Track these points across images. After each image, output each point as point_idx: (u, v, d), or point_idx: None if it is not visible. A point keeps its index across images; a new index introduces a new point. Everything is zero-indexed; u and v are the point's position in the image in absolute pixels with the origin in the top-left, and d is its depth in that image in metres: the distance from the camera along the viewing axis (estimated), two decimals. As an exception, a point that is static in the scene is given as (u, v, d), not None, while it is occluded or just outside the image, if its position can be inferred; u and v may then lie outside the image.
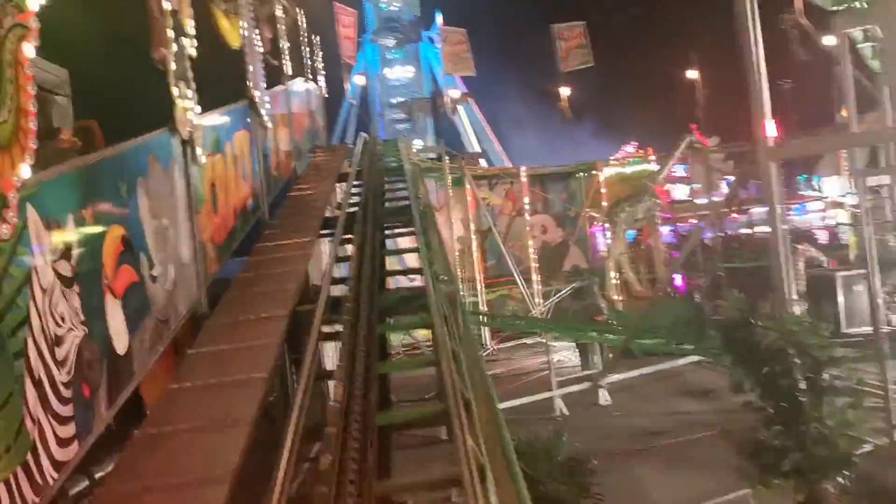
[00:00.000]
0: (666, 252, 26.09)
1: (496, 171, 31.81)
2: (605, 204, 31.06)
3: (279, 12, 16.95)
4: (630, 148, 53.00)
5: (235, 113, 10.94)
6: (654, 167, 47.22)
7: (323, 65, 24.34)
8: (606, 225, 30.04)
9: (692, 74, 32.58)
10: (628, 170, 43.84)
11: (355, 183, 15.14)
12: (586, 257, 32.40)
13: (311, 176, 16.78)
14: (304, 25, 21.02)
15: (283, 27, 17.21)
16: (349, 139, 47.49)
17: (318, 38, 24.01)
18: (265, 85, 13.12)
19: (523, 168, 34.10)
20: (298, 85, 19.20)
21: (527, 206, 31.29)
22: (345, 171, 17.41)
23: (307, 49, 21.09)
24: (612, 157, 50.10)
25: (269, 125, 12.97)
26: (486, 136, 58.69)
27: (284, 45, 16.83)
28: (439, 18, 54.19)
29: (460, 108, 44.20)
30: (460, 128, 52.29)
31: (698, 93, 32.00)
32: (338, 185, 17.22)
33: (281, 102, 15.60)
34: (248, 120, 11.67)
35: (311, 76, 21.58)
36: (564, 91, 33.99)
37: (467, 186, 30.13)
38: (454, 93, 33.40)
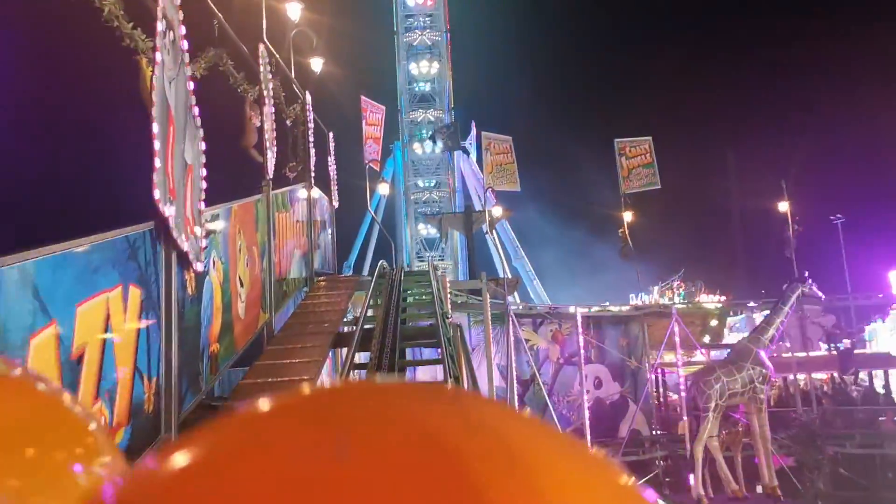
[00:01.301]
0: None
1: (544, 309, 25.71)
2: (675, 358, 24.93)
3: (266, 91, 11.28)
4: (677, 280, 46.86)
5: (104, 253, 5.01)
6: (712, 306, 40.93)
7: (335, 168, 18.64)
8: (682, 379, 23.79)
9: (782, 206, 26.78)
10: (680, 306, 37.71)
11: (358, 359, 9.15)
12: (649, 422, 25.85)
13: (292, 334, 10.68)
14: (310, 115, 15.37)
15: (270, 112, 11.53)
16: (368, 260, 42.11)
17: (331, 135, 18.34)
18: (201, 199, 7.25)
19: (578, 310, 28.16)
20: (296, 194, 13.32)
21: (581, 352, 25.15)
22: (346, 331, 11.32)
23: (310, 146, 15.40)
24: (658, 287, 44.22)
25: (202, 267, 6.98)
26: (520, 260, 52.98)
27: (269, 136, 11.11)
28: (473, 127, 49.77)
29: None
30: (492, 248, 46.76)
31: (790, 229, 26.11)
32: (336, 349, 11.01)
33: (251, 221, 9.70)
34: (139, 265, 5.68)
35: (315, 181, 15.78)
36: (627, 216, 28.23)
37: (510, 326, 24.10)
38: (496, 210, 27.73)
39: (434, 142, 40.94)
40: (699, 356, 27.27)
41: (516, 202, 35.20)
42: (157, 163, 6.18)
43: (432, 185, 47.90)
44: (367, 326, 11.79)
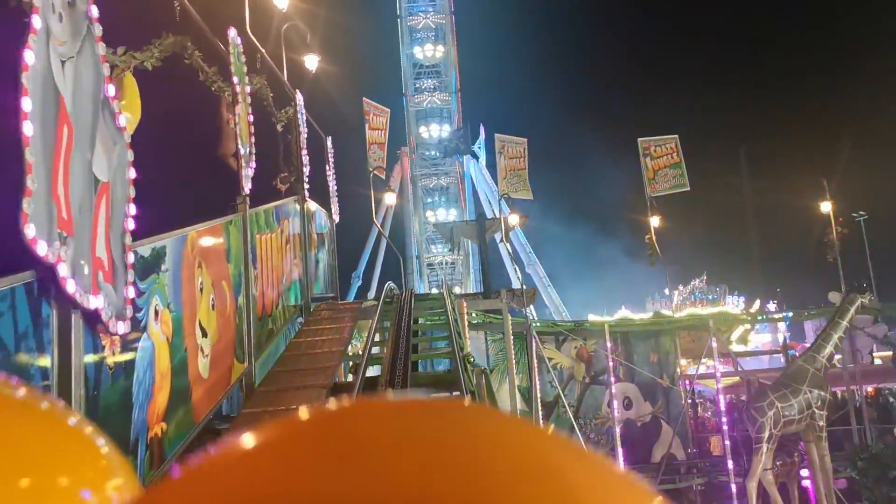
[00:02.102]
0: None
1: (566, 325, 23.41)
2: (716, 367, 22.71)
3: (240, 86, 9.00)
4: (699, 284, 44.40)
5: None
6: (733, 309, 38.47)
7: (334, 178, 16.39)
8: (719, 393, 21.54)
9: (825, 207, 24.38)
10: (703, 310, 35.39)
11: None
12: (684, 445, 23.45)
13: (276, 388, 8.40)
14: (303, 118, 13.15)
15: (247, 115, 9.27)
16: (377, 276, 39.61)
17: (329, 141, 16.10)
18: (127, 229, 4.99)
19: (606, 323, 25.95)
20: (286, 209, 11.04)
21: (610, 369, 22.89)
22: (345, 381, 9.11)
23: (304, 154, 13.16)
24: (679, 293, 41.83)
25: (125, 327, 4.70)
26: (533, 266, 50.61)
27: (246, 142, 8.86)
28: (482, 132, 47.39)
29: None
30: (504, 256, 44.50)
31: (833, 232, 23.74)
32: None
33: (218, 250, 7.43)
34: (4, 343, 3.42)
35: (311, 193, 13.54)
36: (654, 221, 25.87)
37: (533, 343, 21.83)
38: (512, 218, 25.44)
39: (444, 151, 38.77)
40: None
41: (529, 206, 32.90)
42: (31, 183, 3.94)
43: (442, 200, 45.44)
44: (371, 373, 9.56)
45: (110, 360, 5.06)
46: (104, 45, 5.32)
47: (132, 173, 5.47)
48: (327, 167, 16.82)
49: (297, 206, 13.14)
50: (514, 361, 21.72)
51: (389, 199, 23.56)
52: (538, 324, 23.31)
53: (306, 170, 13.87)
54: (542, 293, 50.96)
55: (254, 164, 9.61)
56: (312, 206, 14.57)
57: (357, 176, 22.71)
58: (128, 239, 5.30)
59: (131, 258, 5.33)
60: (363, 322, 13.30)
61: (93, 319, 4.73)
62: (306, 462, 0.56)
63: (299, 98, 13.91)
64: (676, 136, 26.05)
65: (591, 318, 35.71)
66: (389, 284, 14.68)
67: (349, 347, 13.07)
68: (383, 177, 22.48)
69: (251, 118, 9.84)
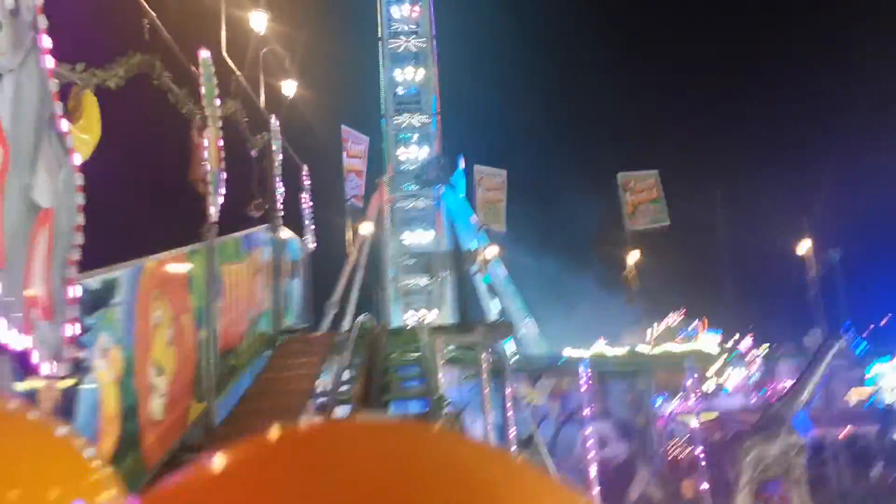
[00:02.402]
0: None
1: (542, 362, 23.01)
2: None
3: (210, 109, 8.54)
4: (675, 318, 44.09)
5: None
6: (707, 348, 38.22)
7: (309, 206, 15.93)
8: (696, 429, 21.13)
9: (804, 246, 24.29)
10: (679, 347, 35.16)
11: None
12: (665, 488, 22.97)
13: (238, 429, 7.82)
14: (279, 143, 12.68)
15: (216, 138, 8.81)
16: (352, 306, 38.81)
17: (305, 168, 15.64)
18: (71, 260, 4.48)
19: (580, 353, 25.80)
20: (256, 238, 10.53)
21: (587, 410, 22.50)
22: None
23: (277, 181, 12.70)
24: (654, 329, 41.58)
25: (63, 369, 4.20)
26: (514, 303, 49.99)
27: (214, 166, 8.35)
28: (462, 163, 47.03)
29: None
30: (480, 290, 44.06)
31: (813, 271, 23.63)
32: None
33: (179, 282, 6.94)
34: None
35: (285, 221, 13.04)
36: (632, 257, 25.61)
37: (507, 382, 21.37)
38: (490, 250, 25.09)
39: (422, 183, 38.31)
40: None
41: (507, 238, 32.55)
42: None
43: (422, 226, 44.69)
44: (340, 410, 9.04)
45: (45, 407, 4.52)
46: (53, 59, 4.84)
47: (80, 199, 4.97)
48: (302, 195, 16.35)
49: (270, 234, 12.64)
50: (489, 401, 21.23)
51: (366, 228, 23.14)
52: (515, 357, 22.80)
53: (280, 197, 13.39)
54: (519, 326, 50.42)
55: (223, 191, 9.12)
56: (286, 234, 14.07)
57: (334, 204, 22.26)
58: (71, 271, 4.79)
59: (75, 292, 4.82)
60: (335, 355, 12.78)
61: (22, 362, 4.21)
62: (274, 481, 0.56)
63: (274, 123, 13.47)
64: (657, 171, 25.96)
65: (568, 352, 35.33)
66: (361, 319, 14.17)
67: (319, 383, 12.53)
68: (361, 205, 22.05)
69: (221, 143, 9.37)
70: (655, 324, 40.47)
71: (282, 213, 13.91)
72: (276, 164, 13.35)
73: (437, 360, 12.59)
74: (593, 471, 22.44)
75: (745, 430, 17.36)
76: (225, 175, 9.27)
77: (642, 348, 33.45)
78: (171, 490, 0.60)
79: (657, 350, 33.35)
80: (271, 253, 12.62)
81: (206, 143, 8.46)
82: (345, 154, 21.22)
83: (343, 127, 21.64)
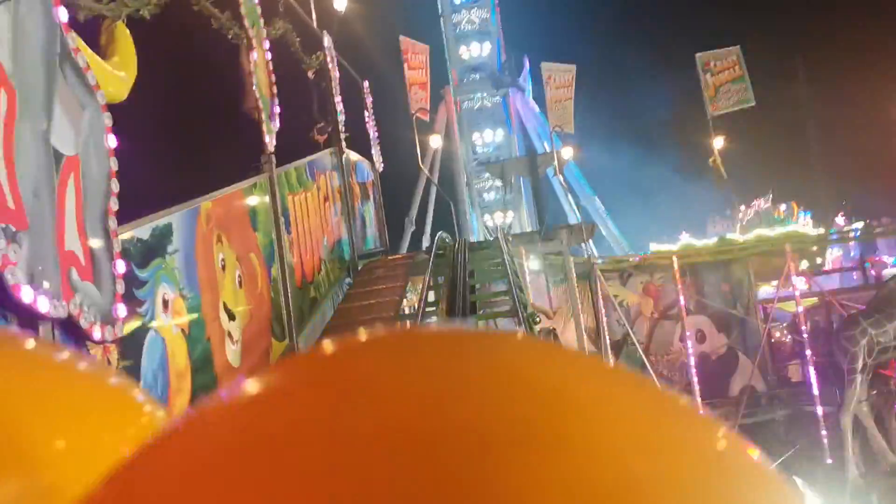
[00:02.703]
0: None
1: (631, 262, 22.13)
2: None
3: (255, 30, 7.88)
4: (764, 203, 42.17)
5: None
6: (808, 230, 36.60)
7: (374, 124, 15.28)
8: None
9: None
10: (773, 232, 33.69)
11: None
12: (766, 377, 22.16)
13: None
14: (334, 61, 12.01)
15: (266, 62, 8.17)
16: (429, 223, 38.24)
17: (366, 84, 14.95)
18: (111, 210, 3.93)
19: (668, 248, 24.87)
20: (322, 163, 10.00)
21: (682, 304, 21.66)
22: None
23: (338, 101, 12.06)
24: (743, 214, 39.93)
25: (116, 331, 3.72)
26: (589, 198, 48.86)
27: (265, 92, 7.75)
28: (526, 62, 45.23)
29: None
30: (560, 193, 43.02)
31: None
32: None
33: (241, 219, 6.47)
34: None
35: (350, 143, 12.49)
36: (717, 142, 24.13)
37: (597, 282, 20.72)
38: (565, 152, 24.03)
39: (495, 86, 37.00)
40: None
41: (581, 136, 31.26)
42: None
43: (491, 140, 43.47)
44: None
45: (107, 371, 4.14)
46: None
47: (112, 141, 4.45)
48: (366, 113, 15.70)
49: (335, 159, 12.10)
50: (580, 305, 20.69)
51: (435, 141, 22.27)
52: (601, 261, 22.01)
53: (342, 118, 12.78)
54: (599, 226, 49.35)
55: (278, 118, 8.55)
56: (353, 156, 13.52)
57: (400, 120, 21.54)
58: (112, 222, 4.32)
59: (119, 245, 4.35)
60: (418, 277, 12.33)
61: (70, 329, 3.79)
62: (305, 403, 0.52)
63: (327, 40, 12.73)
64: (738, 47, 24.07)
65: (654, 247, 34.30)
66: (441, 235, 13.61)
67: (403, 303, 12.15)
68: (427, 119, 21.25)
69: (271, 66, 8.74)
70: (743, 207, 38.93)
71: (346, 135, 13.33)
72: (335, 83, 12.67)
73: (523, 272, 11.98)
74: (693, 366, 21.78)
75: (856, 313, 16.28)
76: (278, 101, 8.67)
77: (732, 236, 32.25)
78: (193, 420, 0.55)
79: (749, 237, 32.10)
80: (340, 177, 12.10)
81: (253, 67, 7.85)
82: (406, 66, 20.32)
83: (401, 37, 20.67)
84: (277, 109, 8.60)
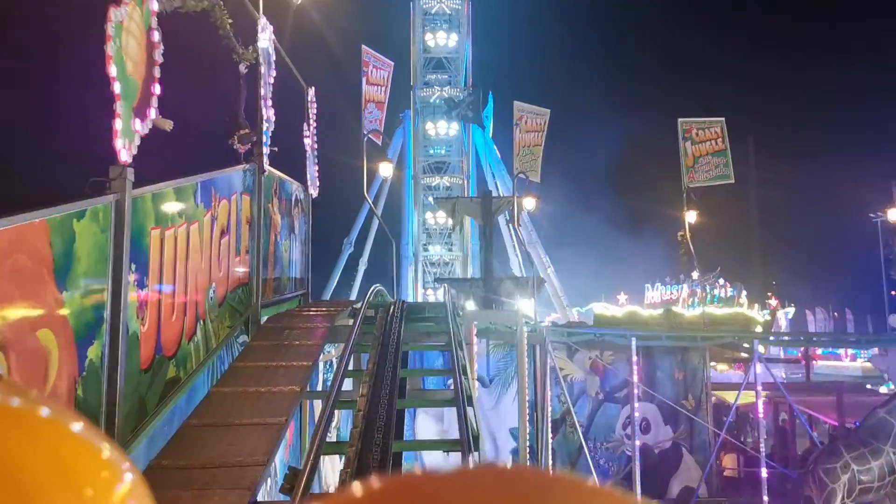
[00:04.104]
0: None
1: (585, 335, 19.63)
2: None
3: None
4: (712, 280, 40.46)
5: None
6: (753, 313, 34.97)
7: (316, 142, 12.36)
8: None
9: (893, 215, 20.51)
10: (719, 311, 31.77)
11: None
12: (710, 481, 19.75)
13: (165, 481, 4.21)
14: (270, 55, 9.06)
15: (142, 30, 5.10)
16: (369, 246, 35.32)
17: (312, 92, 12.07)
18: None
19: (612, 312, 22.64)
20: (227, 182, 6.90)
21: (636, 388, 19.29)
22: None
23: (266, 105, 9.10)
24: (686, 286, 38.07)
25: None
26: (533, 245, 46.47)
27: (133, 75, 4.70)
28: (491, 99, 42.93)
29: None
30: (507, 239, 40.63)
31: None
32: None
33: (38, 279, 3.25)
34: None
35: (277, 160, 9.52)
36: (688, 215, 21.93)
37: (546, 354, 18.19)
38: (528, 201, 21.53)
39: (451, 115, 34.50)
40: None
41: (540, 188, 28.90)
42: None
43: (444, 169, 40.91)
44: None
45: None
46: None
47: None
48: (306, 126, 12.81)
49: (251, 177, 9.15)
50: (525, 376, 18.08)
51: (385, 170, 19.44)
52: (552, 330, 19.37)
53: (269, 126, 9.86)
54: (543, 277, 47.00)
55: (152, 113, 5.61)
56: (279, 175, 10.59)
57: (349, 139, 18.67)
58: None
59: None
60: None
61: None
62: None
63: (264, 26, 9.83)
64: (723, 119, 22.02)
65: (597, 310, 32.04)
66: (376, 290, 10.74)
67: (319, 368, 9.24)
68: (380, 142, 18.45)
69: (157, 37, 5.82)
70: (685, 284, 37.15)
71: (271, 149, 10.43)
72: (264, 80, 9.76)
73: (472, 360, 9.24)
74: (637, 460, 19.31)
75: (838, 443, 13.93)
76: (158, 88, 5.72)
77: (678, 309, 30.27)
78: None
79: (695, 312, 30.14)
80: (254, 202, 9.15)
81: (113, 29, 4.92)
82: (364, 80, 17.54)
83: (364, 47, 17.87)
84: (155, 102, 5.67)
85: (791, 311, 47.23)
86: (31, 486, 0.57)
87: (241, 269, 8.52)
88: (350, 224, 35.93)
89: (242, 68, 10.52)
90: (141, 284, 5.49)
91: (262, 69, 9.49)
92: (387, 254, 22.98)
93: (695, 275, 36.74)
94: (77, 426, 0.67)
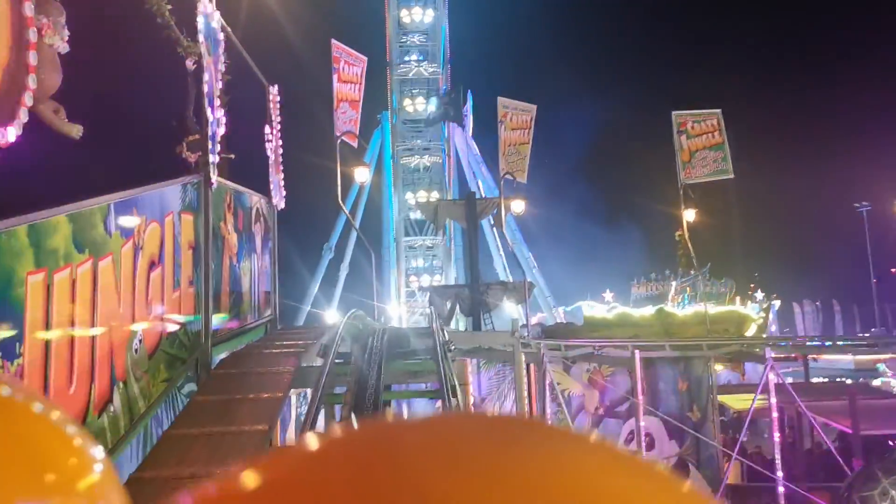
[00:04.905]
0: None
1: (583, 348, 18.11)
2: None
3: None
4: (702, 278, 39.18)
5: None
6: (747, 310, 33.82)
7: (278, 145, 10.68)
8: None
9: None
10: (713, 310, 30.36)
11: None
12: (713, 493, 18.23)
13: None
14: (218, 43, 7.31)
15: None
16: (350, 250, 33.63)
17: (274, 91, 10.39)
18: None
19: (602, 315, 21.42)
20: (161, 199, 5.02)
21: (640, 401, 17.84)
22: None
23: (213, 106, 7.36)
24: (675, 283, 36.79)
25: None
26: (518, 245, 44.90)
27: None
28: (470, 96, 41.32)
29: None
30: (490, 242, 39.00)
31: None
32: None
33: None
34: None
35: (213, 170, 7.73)
36: (686, 214, 20.46)
37: (545, 372, 16.69)
38: (516, 204, 19.98)
39: (432, 108, 32.95)
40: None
41: (527, 188, 27.39)
42: None
43: (425, 181, 39.24)
44: None
45: None
46: None
47: None
48: (268, 128, 11.14)
49: (193, 192, 7.50)
50: (507, 384, 16.53)
51: (361, 174, 17.81)
52: (547, 345, 17.81)
53: (217, 130, 8.19)
54: (530, 280, 45.46)
55: (24, 115, 3.97)
56: (231, 188, 8.93)
57: (320, 142, 17.00)
58: None
59: None
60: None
61: None
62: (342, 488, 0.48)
63: (211, 11, 8.16)
64: (719, 110, 20.57)
65: (587, 312, 30.67)
66: (350, 317, 9.09)
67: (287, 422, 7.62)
68: (355, 145, 16.80)
69: (29, 12, 4.17)
70: (675, 282, 35.89)
71: (221, 156, 8.78)
72: (209, 75, 8.09)
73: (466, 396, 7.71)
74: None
75: (874, 466, 12.47)
76: (33, 80, 4.07)
77: (670, 310, 29.01)
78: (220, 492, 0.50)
79: (687, 313, 28.91)
80: (198, 222, 7.50)
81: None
82: (336, 77, 15.89)
83: (333, 41, 16.18)
84: (29, 99, 4.03)
85: (777, 303, 46.10)
86: None
87: (181, 307, 6.88)
88: (330, 229, 34.31)
89: (190, 64, 8.87)
90: (8, 351, 3.88)
91: (205, 60, 7.82)
92: (369, 257, 21.31)
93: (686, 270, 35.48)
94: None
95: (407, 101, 38.97)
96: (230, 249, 8.69)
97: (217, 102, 8.26)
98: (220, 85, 8.35)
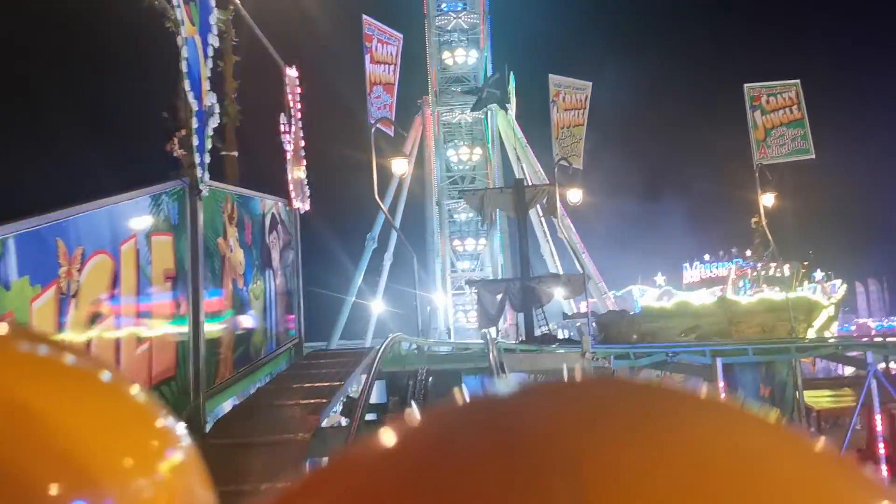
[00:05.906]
0: None
1: (658, 355, 16.01)
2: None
3: None
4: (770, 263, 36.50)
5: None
6: (815, 295, 31.17)
7: (296, 138, 8.65)
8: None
9: None
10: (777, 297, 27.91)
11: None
12: None
13: None
14: (206, 8, 5.22)
15: None
16: (384, 278, 31.95)
17: (292, 74, 8.32)
18: None
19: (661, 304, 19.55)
20: (119, 219, 2.79)
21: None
22: None
23: (207, 95, 5.26)
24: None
25: None
26: (575, 246, 42.44)
27: None
28: (512, 76, 39.00)
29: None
30: (538, 232, 36.85)
31: None
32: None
33: None
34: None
35: (203, 172, 5.60)
36: (764, 199, 18.11)
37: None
38: (574, 193, 17.87)
39: (479, 103, 30.95)
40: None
41: (581, 174, 25.17)
42: None
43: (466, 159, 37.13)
44: None
45: None
46: None
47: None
48: (285, 117, 9.23)
49: (172, 204, 5.63)
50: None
51: (399, 166, 15.80)
52: (616, 354, 15.69)
53: (208, 122, 6.31)
54: (583, 267, 43.11)
55: None
56: (241, 192, 7.05)
57: (353, 131, 15.08)
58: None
59: None
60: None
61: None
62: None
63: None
64: (797, 81, 18.11)
65: (644, 302, 28.65)
66: (387, 345, 7.18)
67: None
68: (391, 132, 14.83)
69: None
70: (734, 265, 33.58)
71: (231, 153, 6.88)
72: (201, 51, 6.19)
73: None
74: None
75: None
76: None
77: (733, 298, 26.84)
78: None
79: (752, 300, 26.66)
80: (182, 243, 5.63)
81: None
82: (368, 57, 13.92)
83: (365, 17, 14.17)
84: None
85: (840, 286, 43.16)
86: (59, 437, 0.51)
87: (154, 362, 5.06)
88: (372, 219, 32.65)
89: (181, 41, 7.00)
90: None
91: (185, 30, 5.93)
92: (413, 243, 19.48)
93: (748, 252, 33.04)
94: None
95: (446, 54, 36.74)
96: (234, 270, 6.84)
97: (206, 86, 6.37)
98: (209, 64, 6.46)
